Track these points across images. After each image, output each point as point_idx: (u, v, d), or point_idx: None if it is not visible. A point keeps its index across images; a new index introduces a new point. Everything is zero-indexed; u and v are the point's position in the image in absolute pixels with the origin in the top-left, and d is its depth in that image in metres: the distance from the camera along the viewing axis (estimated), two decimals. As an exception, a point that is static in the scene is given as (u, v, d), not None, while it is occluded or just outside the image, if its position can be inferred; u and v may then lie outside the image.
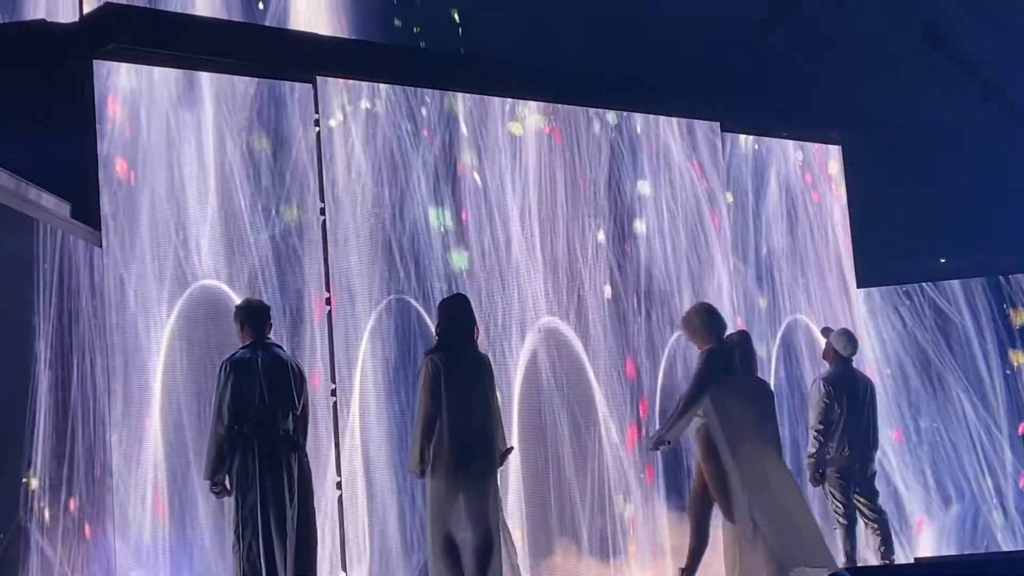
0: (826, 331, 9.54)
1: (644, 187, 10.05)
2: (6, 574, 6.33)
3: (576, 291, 9.55)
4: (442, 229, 9.06)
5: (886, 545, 9.09)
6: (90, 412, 7.43)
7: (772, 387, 9.60)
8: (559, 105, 9.75)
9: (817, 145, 11.18)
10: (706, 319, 8.23)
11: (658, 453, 9.21)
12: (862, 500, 9.08)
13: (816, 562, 7.90)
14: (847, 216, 11.21)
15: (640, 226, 9.98)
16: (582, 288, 9.58)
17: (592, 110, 9.90)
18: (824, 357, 9.39)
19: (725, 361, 8.12)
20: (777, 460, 8.10)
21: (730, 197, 10.56)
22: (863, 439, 9.10)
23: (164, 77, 8.18)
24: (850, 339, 9.28)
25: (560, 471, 9.16)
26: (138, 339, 7.83)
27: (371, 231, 8.77)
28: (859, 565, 8.86)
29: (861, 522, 9.11)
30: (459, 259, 9.09)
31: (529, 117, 9.61)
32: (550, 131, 9.68)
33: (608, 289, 9.65)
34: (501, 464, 7.68)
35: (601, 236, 9.76)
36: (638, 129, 10.11)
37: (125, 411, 7.71)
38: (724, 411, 7.96)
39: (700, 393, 8.01)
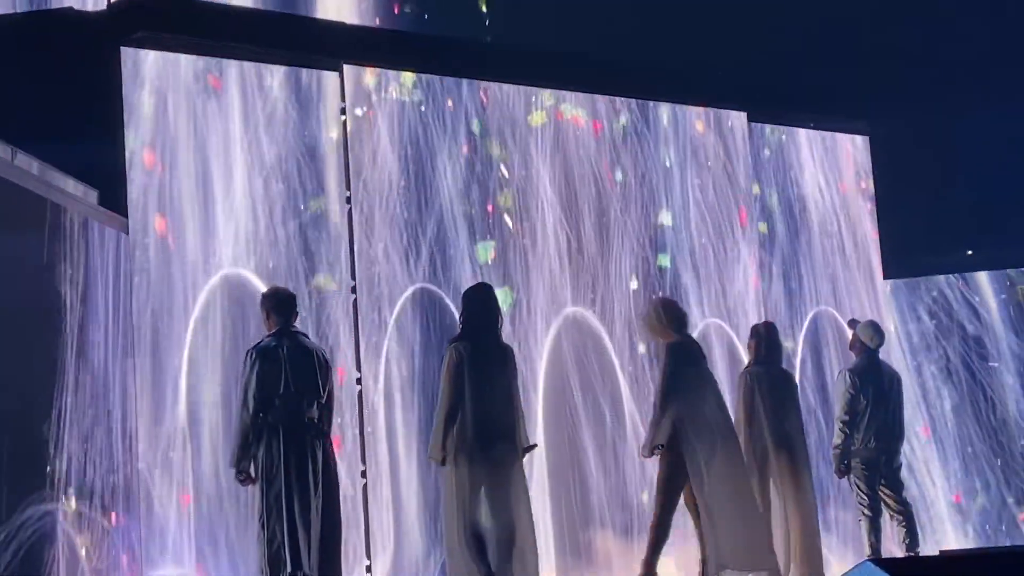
0: (853, 323, 9.51)
1: (671, 178, 10.02)
2: (33, 563, 6.35)
3: (602, 282, 9.53)
4: (468, 219, 9.05)
5: (911, 537, 9.06)
6: (116, 400, 7.46)
7: (797, 378, 9.62)
8: (585, 94, 9.73)
9: (845, 135, 11.13)
10: (663, 313, 8.17)
11: None
12: (887, 492, 9.05)
13: (755, 566, 7.89)
14: (874, 207, 11.15)
15: (667, 217, 9.95)
16: (608, 279, 9.56)
17: (619, 99, 9.87)
18: (851, 348, 9.37)
19: (688, 353, 8.05)
20: (739, 460, 8.06)
21: (756, 188, 10.52)
22: (889, 431, 9.08)
23: (191, 65, 8.19)
24: (876, 330, 9.25)
25: (585, 463, 9.14)
26: (164, 327, 7.85)
27: (397, 220, 8.76)
28: (884, 557, 8.83)
29: (886, 514, 9.08)
30: (484, 249, 9.08)
31: (556, 106, 9.58)
32: (577, 120, 9.66)
33: (634, 281, 9.63)
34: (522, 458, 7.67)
35: (628, 227, 9.74)
36: (665, 119, 10.08)
37: (151, 399, 7.73)
38: (689, 406, 7.92)
39: (672, 390, 7.96)
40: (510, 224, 9.22)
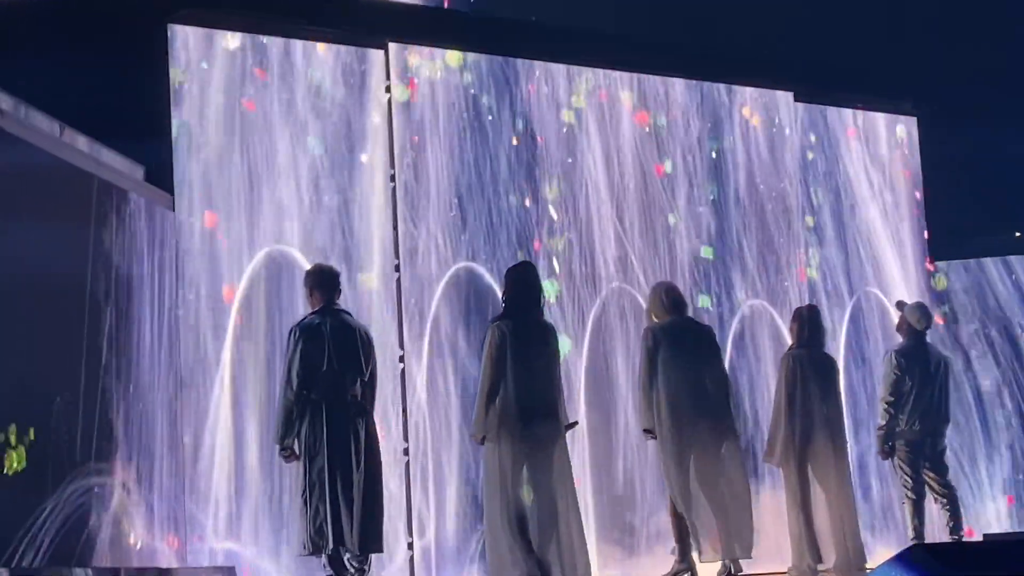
0: (900, 304, 9.45)
1: (718, 157, 9.97)
2: (78, 536, 6.41)
3: (649, 258, 9.49)
4: (512, 197, 9.04)
5: (955, 521, 9.01)
6: (159, 376, 7.50)
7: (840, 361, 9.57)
8: (630, 74, 9.68)
9: (892, 115, 11.04)
10: (663, 296, 8.12)
11: None
12: (932, 475, 8.99)
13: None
14: (922, 188, 11.06)
15: (714, 195, 9.90)
16: (655, 255, 9.52)
17: (669, 79, 9.82)
18: (898, 330, 9.31)
19: (657, 338, 7.97)
20: (732, 442, 8.02)
21: (808, 169, 10.45)
22: (934, 414, 9.02)
23: (237, 41, 8.22)
24: (924, 313, 9.19)
25: (628, 442, 9.12)
26: (209, 304, 7.89)
27: (441, 198, 8.76)
28: (928, 541, 8.78)
29: (930, 497, 9.03)
30: (529, 229, 9.06)
31: (601, 87, 9.55)
32: (623, 102, 9.61)
33: (681, 256, 9.59)
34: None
35: (677, 205, 9.70)
36: (715, 98, 10.02)
37: (195, 375, 7.78)
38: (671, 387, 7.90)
39: (650, 373, 7.91)
40: (555, 206, 9.20)
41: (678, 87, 9.88)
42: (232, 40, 8.19)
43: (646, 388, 7.91)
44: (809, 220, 10.40)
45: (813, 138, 10.56)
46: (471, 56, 9.04)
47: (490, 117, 9.04)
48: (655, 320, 8.09)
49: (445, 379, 8.56)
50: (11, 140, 6.03)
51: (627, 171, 9.55)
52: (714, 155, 9.97)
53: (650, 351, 7.92)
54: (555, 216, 9.18)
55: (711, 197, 9.89)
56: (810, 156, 10.50)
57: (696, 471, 7.90)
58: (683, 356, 7.95)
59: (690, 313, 8.25)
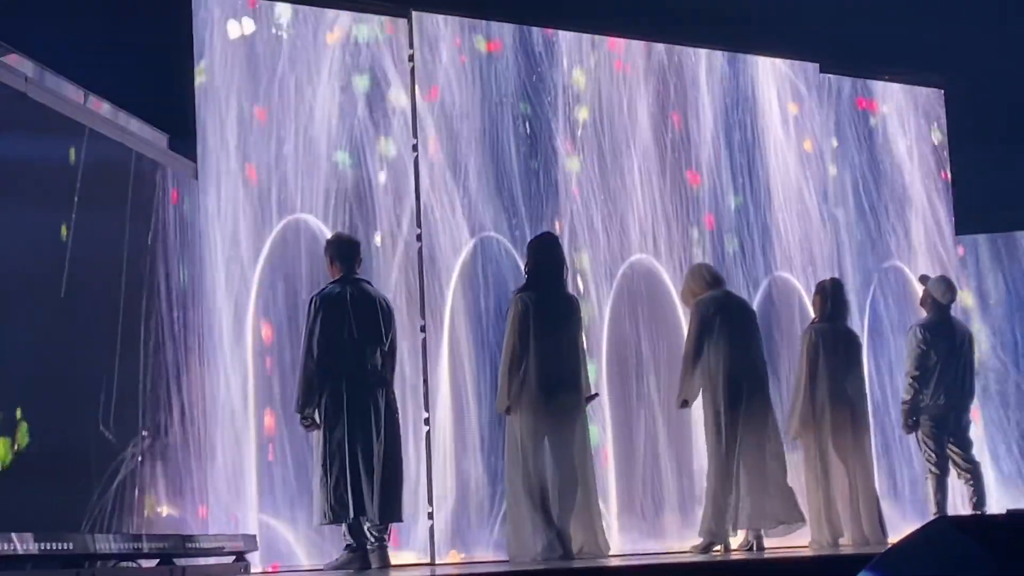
0: (924, 278, 9.40)
1: (741, 128, 9.91)
2: (104, 500, 6.43)
3: (670, 231, 9.44)
4: (537, 168, 9.00)
5: (978, 495, 8.98)
6: (182, 345, 7.51)
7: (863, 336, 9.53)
8: (656, 44, 9.62)
9: (920, 88, 10.94)
10: (705, 273, 8.23)
11: None
12: (955, 450, 8.97)
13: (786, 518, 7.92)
14: (948, 162, 10.98)
15: (732, 168, 9.84)
16: (675, 228, 9.47)
17: (690, 49, 9.76)
18: (922, 304, 9.26)
19: (712, 309, 8.07)
20: (770, 419, 8.07)
21: (834, 142, 10.37)
22: (959, 388, 8.98)
23: (260, 9, 8.19)
24: (948, 286, 9.14)
25: (650, 417, 9.10)
26: (231, 272, 7.89)
27: (464, 169, 8.73)
28: (951, 514, 8.75)
29: (953, 472, 9.00)
30: (553, 201, 9.03)
31: (624, 55, 9.49)
32: (638, 70, 9.55)
33: (696, 231, 9.54)
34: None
35: (697, 177, 9.65)
36: (738, 69, 9.95)
37: (217, 344, 7.78)
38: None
39: (699, 345, 8.02)
40: (580, 171, 9.15)
41: (701, 57, 9.81)
42: (256, 7, 8.16)
43: (693, 360, 8.03)
44: (832, 178, 10.29)
45: (839, 109, 10.48)
46: (495, 24, 9.00)
47: (514, 86, 8.99)
48: (695, 295, 8.21)
49: (467, 350, 8.54)
50: (36, 107, 6.01)
51: (650, 137, 9.49)
52: (739, 127, 9.89)
53: (705, 321, 8.01)
54: (577, 188, 9.13)
55: (730, 172, 9.81)
56: (835, 127, 10.41)
57: (743, 445, 7.97)
58: (734, 330, 8.05)
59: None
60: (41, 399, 5.85)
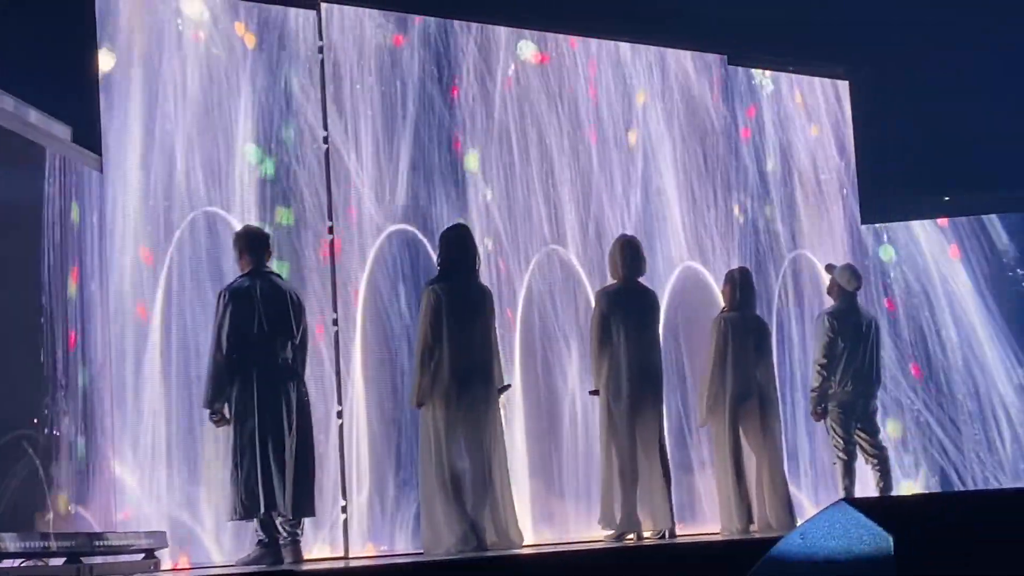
0: (830, 267, 9.52)
1: (645, 117, 9.97)
2: (8, 501, 6.34)
3: (580, 221, 9.49)
4: (447, 159, 9.00)
5: (885, 481, 9.11)
6: (91, 340, 7.42)
7: (772, 323, 9.63)
8: (565, 36, 9.65)
9: (825, 79, 11.08)
10: (619, 252, 8.26)
11: None
12: (863, 436, 9.08)
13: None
14: (853, 152, 11.13)
15: (641, 156, 9.91)
16: (587, 218, 9.52)
17: (601, 41, 9.80)
18: (828, 293, 9.37)
19: (618, 301, 8.12)
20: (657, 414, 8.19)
21: (741, 132, 10.47)
22: (866, 374, 9.10)
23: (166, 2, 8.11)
24: (854, 274, 9.26)
25: (560, 408, 9.14)
26: (138, 266, 7.80)
27: (375, 161, 8.71)
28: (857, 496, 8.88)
29: (861, 458, 9.12)
30: (464, 190, 9.03)
31: (531, 48, 9.51)
32: (545, 58, 9.58)
33: (606, 222, 9.59)
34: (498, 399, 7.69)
35: (608, 169, 9.70)
36: (645, 60, 10.01)
37: (125, 339, 7.70)
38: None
39: (602, 334, 8.07)
40: (492, 163, 9.16)
41: (614, 48, 9.86)
42: (157, 3, 8.08)
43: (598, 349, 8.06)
44: (743, 183, 10.42)
45: (746, 101, 10.58)
46: (403, 16, 8.98)
47: (424, 77, 8.98)
48: (613, 280, 8.24)
49: (380, 342, 8.52)
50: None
51: (557, 129, 9.53)
52: (650, 117, 9.96)
53: (604, 316, 8.04)
54: (486, 178, 9.15)
55: (639, 160, 9.88)
56: (742, 119, 10.52)
57: (643, 440, 8.03)
58: (632, 321, 8.08)
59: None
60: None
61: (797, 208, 10.74)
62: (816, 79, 11.03)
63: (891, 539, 3.00)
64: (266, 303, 7.13)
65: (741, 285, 8.80)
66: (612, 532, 8.04)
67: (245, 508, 7.02)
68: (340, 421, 8.28)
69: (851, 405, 9.05)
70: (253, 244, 7.32)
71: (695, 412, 9.21)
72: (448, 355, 7.52)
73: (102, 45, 7.83)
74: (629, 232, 8.93)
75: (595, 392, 8.24)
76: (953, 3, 10.52)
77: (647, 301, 8.31)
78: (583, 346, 8.93)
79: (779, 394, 9.06)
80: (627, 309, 8.15)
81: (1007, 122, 10.70)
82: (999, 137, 10.76)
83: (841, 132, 11.12)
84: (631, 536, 8.02)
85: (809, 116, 10.96)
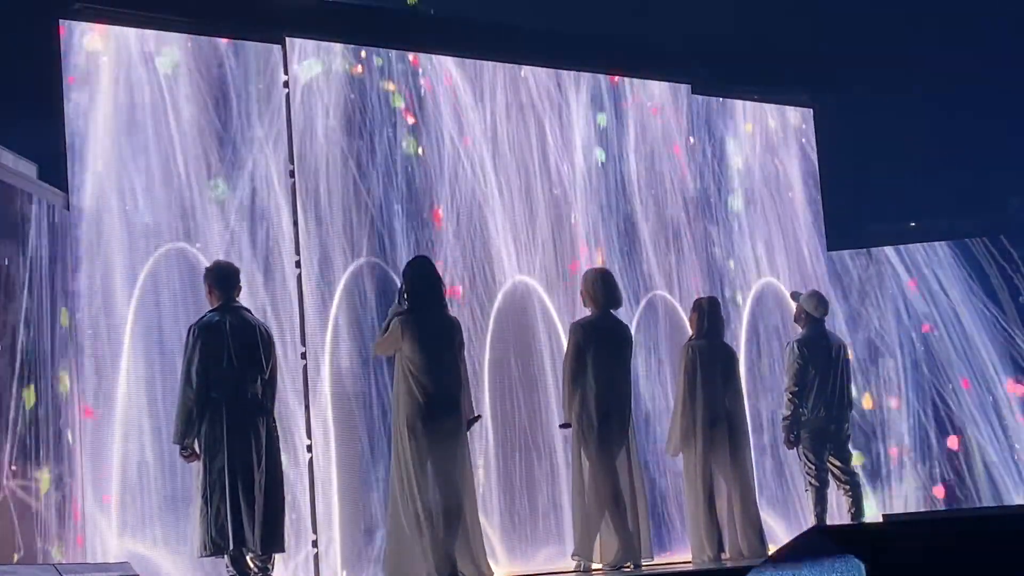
0: (795, 295, 9.55)
1: (610, 147, 10.01)
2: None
3: (544, 252, 9.51)
4: (415, 191, 9.00)
5: (856, 507, 9.12)
6: (59, 377, 7.37)
7: (739, 352, 9.66)
8: (528, 67, 9.70)
9: (789, 107, 11.16)
10: (593, 284, 8.26)
11: None
12: (835, 463, 9.09)
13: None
14: (818, 180, 11.20)
15: (607, 187, 9.94)
16: (551, 249, 9.54)
17: (564, 72, 9.85)
18: (796, 321, 9.40)
19: (595, 330, 8.12)
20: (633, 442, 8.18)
21: (708, 161, 10.52)
22: (838, 401, 9.12)
23: (131, 37, 8.10)
24: (820, 300, 9.29)
25: (529, 444, 9.14)
26: (106, 303, 7.77)
27: (342, 193, 8.71)
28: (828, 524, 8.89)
29: (833, 484, 9.13)
30: (432, 221, 9.04)
31: (497, 77, 9.55)
32: (516, 92, 9.62)
33: (581, 249, 9.62)
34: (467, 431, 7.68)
35: (575, 198, 9.72)
36: (605, 89, 10.06)
37: (95, 375, 7.66)
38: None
39: (575, 366, 8.07)
40: (459, 196, 9.18)
41: (573, 80, 9.90)
42: (126, 35, 8.07)
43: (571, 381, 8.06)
44: (696, 193, 10.43)
45: (711, 129, 10.64)
46: (369, 49, 8.99)
47: (390, 109, 9.00)
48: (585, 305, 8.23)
49: (350, 375, 8.51)
50: None
51: (525, 166, 9.55)
52: (614, 145, 10.01)
53: (580, 349, 8.03)
54: (449, 218, 9.16)
55: (602, 189, 9.91)
56: (707, 147, 10.57)
57: (617, 472, 8.02)
58: (604, 354, 8.08)
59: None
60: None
61: (763, 235, 10.79)
62: (781, 107, 11.10)
63: (863, 566, 3.01)
64: (235, 338, 7.12)
65: (709, 313, 8.82)
66: (583, 563, 8.03)
67: (215, 544, 6.99)
68: (309, 455, 8.24)
69: (823, 432, 9.06)
70: (222, 279, 7.31)
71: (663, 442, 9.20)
72: (417, 388, 7.51)
73: (67, 82, 7.81)
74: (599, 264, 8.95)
75: (566, 425, 8.23)
76: (917, 30, 10.62)
77: (621, 335, 8.30)
78: (556, 376, 8.94)
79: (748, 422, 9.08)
80: (601, 342, 8.13)
81: (972, 150, 10.81)
82: (962, 164, 10.86)
83: (806, 159, 11.20)
84: (600, 568, 8.00)
85: (774, 144, 11.03)
